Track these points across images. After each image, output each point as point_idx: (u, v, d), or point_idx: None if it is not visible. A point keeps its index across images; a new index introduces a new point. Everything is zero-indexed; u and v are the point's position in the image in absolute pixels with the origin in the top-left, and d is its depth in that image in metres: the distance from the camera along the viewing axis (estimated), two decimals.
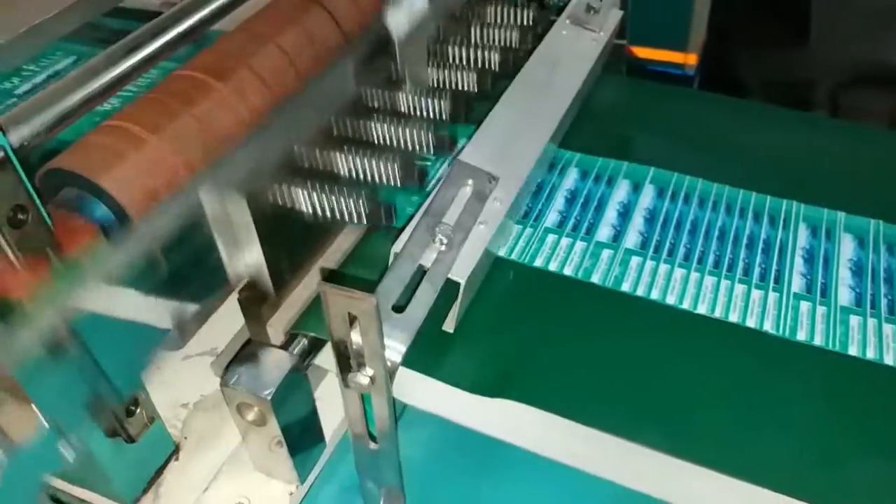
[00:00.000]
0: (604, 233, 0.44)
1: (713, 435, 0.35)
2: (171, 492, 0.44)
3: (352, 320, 0.31)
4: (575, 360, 0.38)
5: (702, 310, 0.40)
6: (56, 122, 0.33)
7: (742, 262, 0.43)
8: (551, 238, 0.43)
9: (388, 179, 0.41)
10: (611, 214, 0.45)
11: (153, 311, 0.38)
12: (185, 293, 0.40)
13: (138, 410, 0.40)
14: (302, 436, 0.43)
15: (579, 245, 0.43)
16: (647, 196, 0.46)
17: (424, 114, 0.47)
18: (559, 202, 0.45)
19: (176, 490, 0.44)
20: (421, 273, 0.36)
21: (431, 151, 0.43)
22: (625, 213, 0.45)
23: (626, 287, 0.41)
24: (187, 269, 0.39)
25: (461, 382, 0.36)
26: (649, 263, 0.42)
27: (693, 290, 0.41)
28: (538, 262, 0.42)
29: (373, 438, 0.37)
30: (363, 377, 0.33)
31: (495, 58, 0.50)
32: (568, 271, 0.42)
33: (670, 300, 0.41)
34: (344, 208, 0.40)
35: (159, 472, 0.45)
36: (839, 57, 0.62)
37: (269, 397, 0.38)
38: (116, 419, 0.39)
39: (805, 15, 0.71)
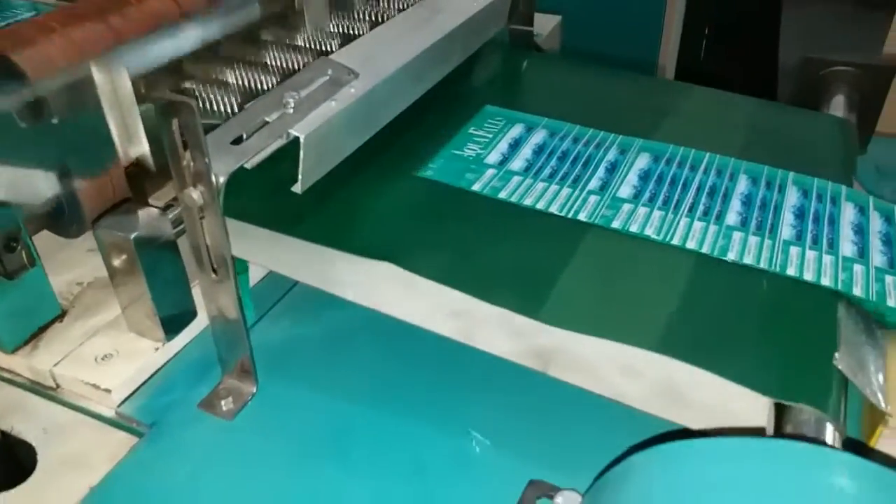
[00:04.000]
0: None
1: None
2: (49, 345, 0.48)
3: (184, 139, 0.37)
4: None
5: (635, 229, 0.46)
6: None
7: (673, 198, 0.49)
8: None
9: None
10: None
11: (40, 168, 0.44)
12: (76, 159, 0.45)
13: (18, 248, 0.45)
14: (169, 296, 0.47)
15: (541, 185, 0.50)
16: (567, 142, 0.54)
17: (318, 48, 0.54)
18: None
19: (54, 344, 0.48)
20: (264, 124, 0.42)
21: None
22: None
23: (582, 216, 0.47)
24: (80, 137, 0.45)
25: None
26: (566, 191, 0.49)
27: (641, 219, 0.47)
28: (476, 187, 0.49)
29: (214, 271, 0.42)
30: (195, 192, 0.38)
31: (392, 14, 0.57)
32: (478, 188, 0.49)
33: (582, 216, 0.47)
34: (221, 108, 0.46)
35: (43, 329, 0.49)
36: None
37: (133, 237, 0.44)
38: None
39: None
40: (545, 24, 0.90)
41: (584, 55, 0.70)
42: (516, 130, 0.56)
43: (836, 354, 0.39)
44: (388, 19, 0.57)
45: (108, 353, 0.48)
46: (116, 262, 0.45)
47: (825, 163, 0.54)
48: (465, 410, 0.45)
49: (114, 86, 0.43)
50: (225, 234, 0.40)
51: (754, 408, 0.37)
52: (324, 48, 0.55)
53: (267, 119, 0.42)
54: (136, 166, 0.49)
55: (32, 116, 0.42)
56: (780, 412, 0.37)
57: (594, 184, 0.50)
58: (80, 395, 0.47)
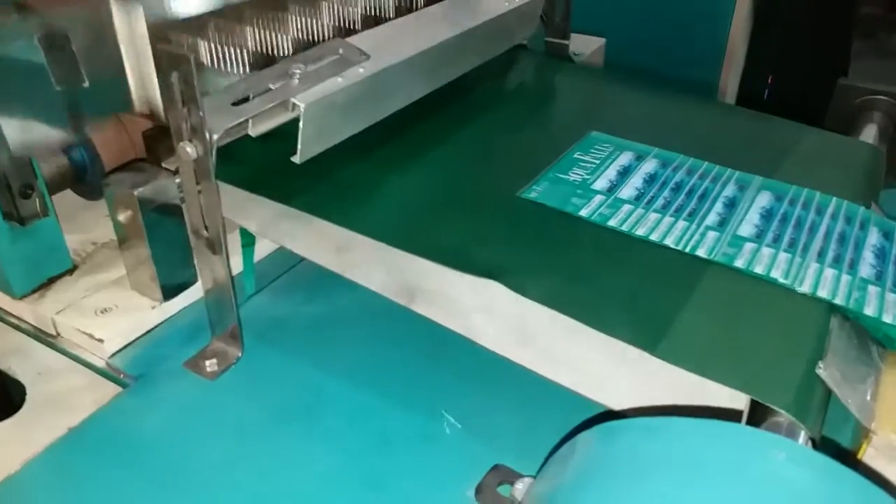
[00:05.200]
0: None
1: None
2: (55, 295, 0.50)
3: (183, 95, 0.38)
4: None
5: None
6: None
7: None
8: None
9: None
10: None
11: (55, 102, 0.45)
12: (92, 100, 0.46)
13: (33, 195, 0.47)
14: (170, 258, 0.49)
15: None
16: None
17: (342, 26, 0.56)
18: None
19: (60, 294, 0.50)
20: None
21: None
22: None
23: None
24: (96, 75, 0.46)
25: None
26: None
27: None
28: None
29: (206, 228, 0.43)
30: (190, 147, 0.40)
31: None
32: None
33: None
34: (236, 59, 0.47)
35: (52, 280, 0.51)
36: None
37: (137, 193, 0.45)
38: (10, 195, 0.46)
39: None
40: (588, 45, 0.91)
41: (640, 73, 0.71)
42: (625, 158, 0.54)
43: (821, 363, 0.38)
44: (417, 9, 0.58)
45: (107, 307, 0.49)
46: (122, 218, 0.47)
47: None
48: (439, 393, 0.45)
49: (131, 26, 0.44)
50: (216, 193, 0.41)
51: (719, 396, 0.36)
52: (348, 27, 0.56)
53: (271, 87, 0.43)
54: (153, 129, 0.51)
55: (51, 49, 0.43)
56: (756, 414, 0.36)
57: (712, 219, 0.47)
58: (75, 343, 0.48)
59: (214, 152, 0.40)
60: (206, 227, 0.43)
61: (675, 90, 0.67)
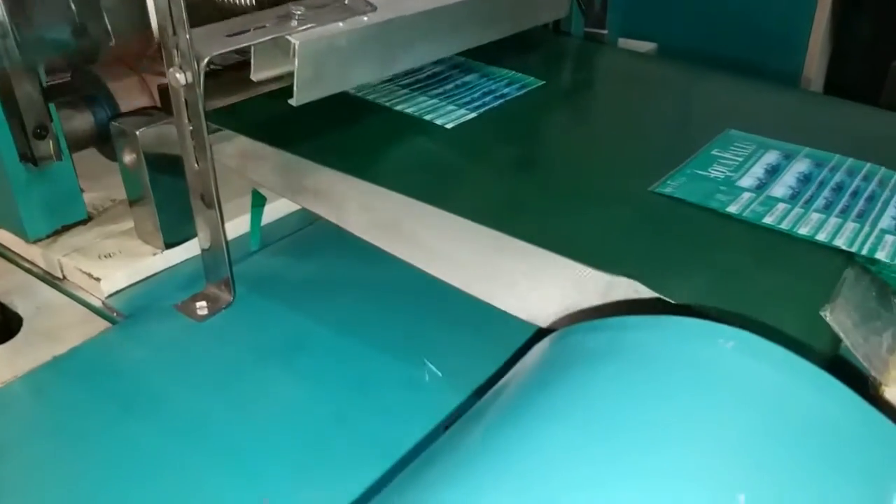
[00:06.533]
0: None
1: None
2: (66, 241, 0.51)
3: (172, 17, 0.39)
4: None
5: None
6: None
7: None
8: None
9: None
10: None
11: None
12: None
13: (47, 137, 0.49)
14: (172, 206, 0.49)
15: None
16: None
17: None
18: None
19: (71, 240, 0.51)
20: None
21: None
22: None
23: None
24: None
25: None
26: None
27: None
28: None
29: (197, 163, 0.43)
30: (179, 73, 0.40)
31: None
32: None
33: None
34: None
35: (67, 228, 0.53)
36: None
37: (139, 132, 0.46)
38: (24, 136, 0.48)
39: None
40: (638, 49, 0.89)
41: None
42: (771, 157, 0.51)
43: (828, 305, 0.34)
44: None
45: (112, 252, 0.50)
46: (127, 160, 0.48)
47: None
48: (423, 342, 0.43)
49: None
50: (202, 117, 0.41)
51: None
52: None
53: (268, 25, 0.43)
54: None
55: None
56: None
57: (886, 222, 0.44)
58: (77, 285, 0.49)
59: (202, 80, 0.40)
60: (197, 159, 0.43)
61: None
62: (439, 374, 0.41)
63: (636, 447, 0.20)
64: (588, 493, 0.19)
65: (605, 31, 0.74)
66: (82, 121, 0.54)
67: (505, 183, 0.48)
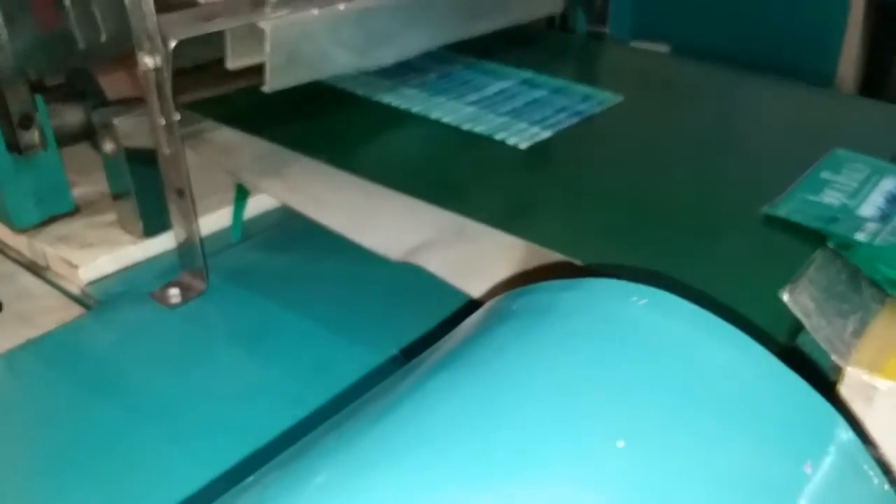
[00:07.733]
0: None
1: None
2: (52, 231, 0.52)
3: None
4: None
5: None
6: None
7: None
8: None
9: None
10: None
11: None
12: None
13: (32, 126, 0.49)
14: (152, 195, 0.49)
15: None
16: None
17: None
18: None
19: (55, 230, 0.52)
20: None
21: None
22: None
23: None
24: None
25: None
26: None
27: None
28: None
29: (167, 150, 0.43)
30: (148, 57, 0.40)
31: None
32: None
33: None
34: None
35: (54, 219, 0.53)
36: None
37: (117, 121, 0.47)
38: (10, 126, 0.49)
39: None
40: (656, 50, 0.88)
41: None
42: (890, 183, 0.46)
43: (787, 286, 0.33)
44: None
45: (93, 241, 0.51)
46: (107, 149, 0.48)
47: None
48: (392, 331, 0.43)
49: None
50: (170, 101, 0.41)
51: None
52: None
53: (241, 11, 0.44)
54: None
55: None
56: None
57: None
58: (58, 273, 0.50)
59: (170, 64, 0.40)
60: (167, 146, 0.43)
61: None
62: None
63: (528, 397, 0.19)
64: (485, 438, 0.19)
65: (605, 30, 0.73)
66: (73, 115, 0.55)
67: (597, 211, 0.44)
